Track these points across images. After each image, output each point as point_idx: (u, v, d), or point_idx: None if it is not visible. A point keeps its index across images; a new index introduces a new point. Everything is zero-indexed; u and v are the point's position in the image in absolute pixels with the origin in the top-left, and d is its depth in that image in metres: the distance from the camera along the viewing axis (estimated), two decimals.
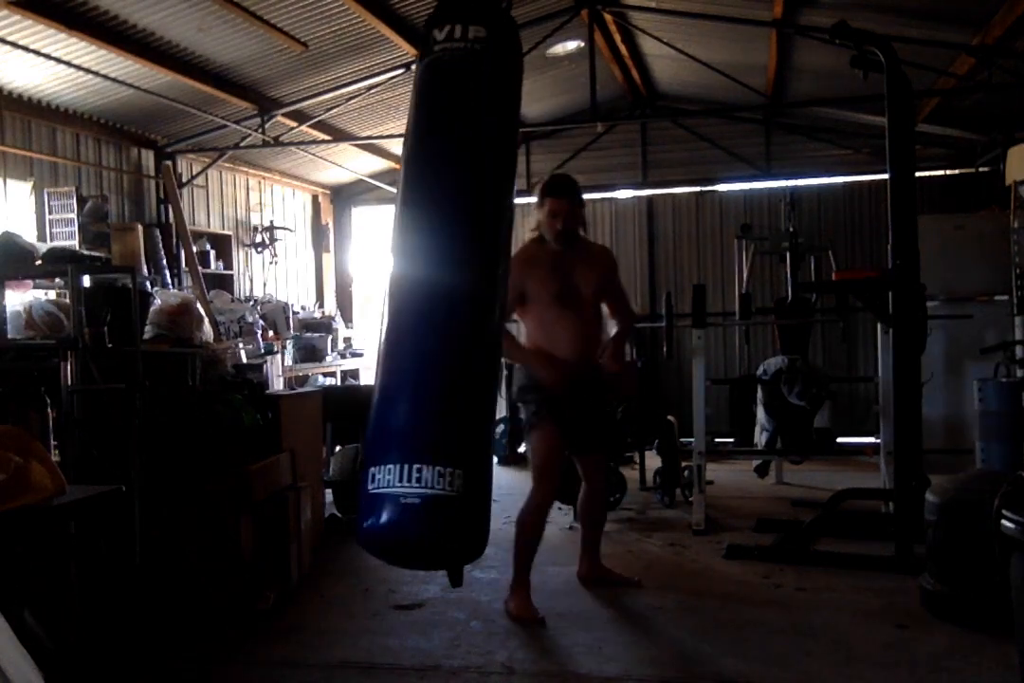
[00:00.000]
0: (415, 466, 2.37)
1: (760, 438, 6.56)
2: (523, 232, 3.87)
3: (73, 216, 6.29)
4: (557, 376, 3.65)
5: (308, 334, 8.60)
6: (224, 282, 8.39)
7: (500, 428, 7.59)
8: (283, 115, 7.62)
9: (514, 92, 3.15)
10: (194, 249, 7.71)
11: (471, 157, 2.87)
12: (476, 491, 2.46)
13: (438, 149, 2.93)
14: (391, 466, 2.40)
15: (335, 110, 7.80)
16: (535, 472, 3.79)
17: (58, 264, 4.19)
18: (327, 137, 8.37)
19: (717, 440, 7.17)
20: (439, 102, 2.97)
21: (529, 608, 3.65)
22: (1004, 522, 2.44)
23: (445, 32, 2.96)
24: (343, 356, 8.99)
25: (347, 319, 10.13)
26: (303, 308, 9.51)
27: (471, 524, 2.49)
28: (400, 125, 8.61)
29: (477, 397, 2.66)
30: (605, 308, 3.89)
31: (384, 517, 2.39)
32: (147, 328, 4.71)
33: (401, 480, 2.36)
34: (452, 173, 2.87)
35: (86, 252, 5.37)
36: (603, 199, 9.72)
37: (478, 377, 2.68)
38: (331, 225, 10.49)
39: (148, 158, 7.66)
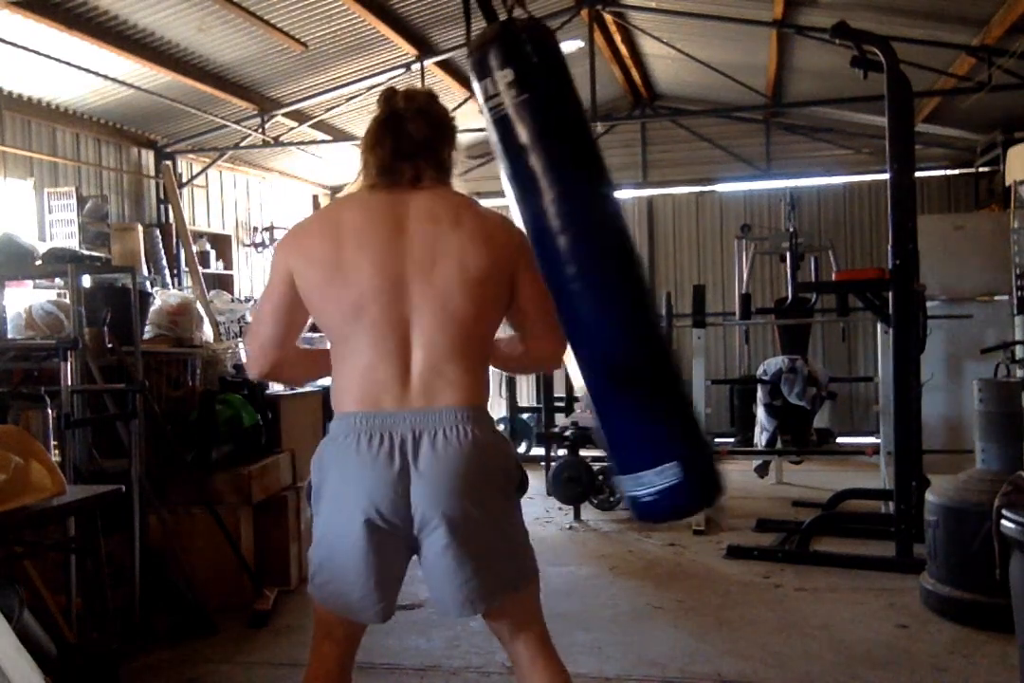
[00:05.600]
0: (637, 474, 3.13)
1: (760, 438, 6.57)
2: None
3: (73, 216, 6.28)
4: None
5: (308, 334, 8.56)
6: (224, 282, 8.38)
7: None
8: (283, 115, 7.62)
9: (564, 120, 3.37)
10: (194, 249, 7.71)
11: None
12: (695, 468, 3.12)
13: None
14: (624, 477, 3.21)
15: (335, 110, 7.80)
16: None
17: (58, 264, 4.18)
18: (327, 137, 8.37)
19: (717, 440, 7.18)
20: (506, 157, 3.27)
21: None
22: (1004, 522, 2.44)
23: (482, 92, 3.19)
24: None
25: None
26: None
27: (700, 491, 3.21)
28: None
29: (665, 399, 3.23)
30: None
31: (639, 511, 3.27)
32: (147, 328, 4.70)
33: (636, 486, 3.15)
34: None
35: (86, 252, 5.36)
36: None
37: (657, 381, 3.22)
38: None
39: (148, 158, 7.66)
